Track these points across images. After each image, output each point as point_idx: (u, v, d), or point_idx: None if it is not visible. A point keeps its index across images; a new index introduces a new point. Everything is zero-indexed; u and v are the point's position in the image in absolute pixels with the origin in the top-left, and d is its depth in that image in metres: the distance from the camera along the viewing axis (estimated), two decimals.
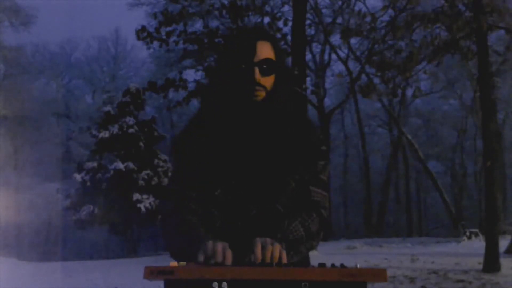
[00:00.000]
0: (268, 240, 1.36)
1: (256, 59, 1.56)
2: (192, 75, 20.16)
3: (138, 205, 22.30)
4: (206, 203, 1.55)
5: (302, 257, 1.54)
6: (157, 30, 15.23)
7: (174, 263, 1.21)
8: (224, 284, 1.17)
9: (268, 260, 1.31)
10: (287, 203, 1.55)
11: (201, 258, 1.31)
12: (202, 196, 1.56)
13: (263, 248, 1.33)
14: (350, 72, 23.47)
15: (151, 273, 1.18)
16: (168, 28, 15.38)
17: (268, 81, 1.59)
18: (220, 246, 1.32)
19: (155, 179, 23.20)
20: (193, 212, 1.54)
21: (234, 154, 1.57)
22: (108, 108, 24.04)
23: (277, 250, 1.33)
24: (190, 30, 16.52)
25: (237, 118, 1.59)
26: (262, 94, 1.58)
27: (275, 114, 1.60)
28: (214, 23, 18.83)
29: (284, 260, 1.33)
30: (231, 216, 1.54)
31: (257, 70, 1.56)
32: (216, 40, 16.35)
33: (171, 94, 16.62)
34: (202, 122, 1.64)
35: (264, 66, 1.57)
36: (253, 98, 1.57)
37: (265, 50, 1.59)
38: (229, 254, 1.31)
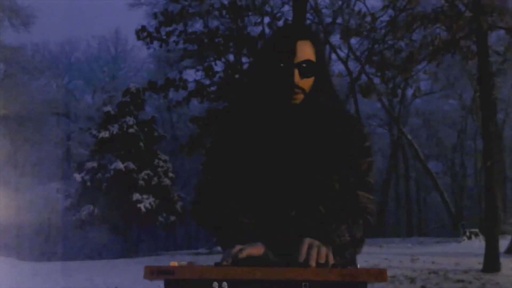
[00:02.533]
0: (316, 242, 1.34)
1: (296, 60, 1.51)
2: (192, 75, 20.12)
3: (138, 205, 22.29)
4: (245, 203, 1.53)
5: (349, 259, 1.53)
6: (157, 30, 15.24)
7: (174, 263, 1.21)
8: (224, 284, 1.17)
9: (312, 260, 1.29)
10: (330, 206, 1.52)
11: (228, 261, 1.31)
12: (242, 195, 1.54)
13: (310, 248, 1.32)
14: (350, 72, 23.46)
15: (151, 273, 1.18)
16: (168, 28, 15.39)
17: (307, 83, 1.53)
18: (246, 250, 1.34)
19: (155, 179, 23.20)
20: (246, 211, 1.52)
21: (273, 155, 1.53)
22: (108, 108, 24.04)
23: (323, 251, 1.31)
24: (190, 30, 16.54)
25: (275, 120, 1.55)
26: (300, 96, 1.52)
27: (314, 116, 1.56)
28: (214, 23, 18.83)
29: (331, 261, 1.32)
30: (270, 216, 1.51)
31: (296, 72, 1.50)
32: (216, 40, 16.36)
33: (171, 94, 16.63)
34: (240, 122, 1.60)
35: (305, 67, 1.51)
36: (291, 101, 1.53)
37: (305, 51, 1.52)
38: (244, 256, 1.33)
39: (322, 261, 1.30)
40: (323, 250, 1.33)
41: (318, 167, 1.53)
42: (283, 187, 1.52)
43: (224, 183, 1.57)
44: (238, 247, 1.34)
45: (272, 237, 1.45)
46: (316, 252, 1.31)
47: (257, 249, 1.37)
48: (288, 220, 1.51)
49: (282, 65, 1.51)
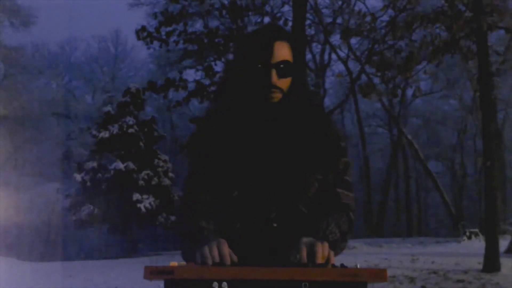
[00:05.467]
0: (315, 240, 1.35)
1: (273, 61, 1.54)
2: (192, 75, 20.13)
3: (138, 205, 22.29)
4: (224, 205, 1.53)
5: None
6: (157, 30, 15.22)
7: (174, 263, 1.21)
8: (224, 284, 1.17)
9: (319, 259, 1.30)
10: (310, 205, 1.54)
11: (198, 260, 1.30)
12: (220, 198, 1.54)
13: (312, 247, 1.32)
14: (350, 72, 23.46)
15: (151, 273, 1.18)
16: (168, 28, 15.38)
17: (285, 83, 1.56)
18: (214, 248, 1.31)
19: (155, 179, 23.19)
20: (208, 216, 1.51)
21: (251, 155, 1.55)
22: (108, 108, 24.03)
23: (326, 249, 1.33)
24: (190, 30, 16.52)
25: (254, 119, 1.57)
26: (278, 96, 1.55)
27: (291, 115, 1.58)
28: (214, 23, 18.83)
29: (332, 260, 1.33)
30: (251, 218, 1.52)
31: (274, 72, 1.53)
32: (216, 40, 16.35)
33: (171, 94, 16.62)
34: (218, 122, 1.62)
35: (282, 67, 1.54)
36: (269, 100, 1.55)
37: (282, 51, 1.55)
38: (225, 252, 1.30)
39: (326, 255, 1.31)
40: (326, 247, 1.33)
41: (297, 167, 1.55)
42: (263, 186, 1.53)
43: (204, 187, 1.57)
44: (212, 247, 1.32)
45: (255, 239, 1.47)
46: (320, 249, 1.31)
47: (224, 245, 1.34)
48: (269, 221, 1.51)
49: (260, 65, 1.54)
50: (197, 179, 1.60)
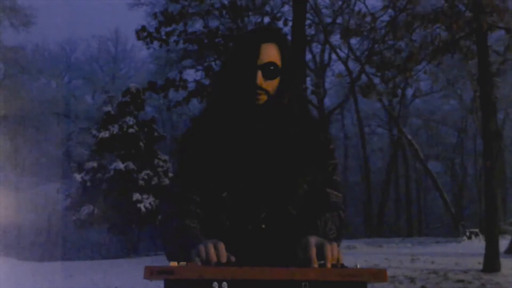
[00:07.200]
0: (323, 240, 1.34)
1: (259, 62, 1.54)
2: (192, 75, 20.13)
3: (138, 205, 22.29)
4: (212, 206, 1.53)
5: None
6: (157, 30, 15.22)
7: (174, 263, 1.21)
8: (224, 284, 1.17)
9: (333, 259, 1.29)
10: (300, 205, 1.54)
11: (198, 262, 1.29)
12: (208, 199, 1.54)
13: (322, 248, 1.31)
14: (350, 72, 23.46)
15: (151, 273, 1.18)
16: (168, 28, 15.37)
17: (271, 85, 1.56)
18: (211, 246, 1.30)
19: (155, 179, 23.19)
20: (194, 216, 1.51)
21: (240, 156, 1.55)
22: (108, 108, 24.03)
23: (335, 250, 1.31)
24: (190, 30, 16.51)
25: (241, 121, 1.57)
26: (264, 98, 1.55)
27: (278, 117, 1.58)
28: (214, 23, 18.82)
29: (341, 260, 1.32)
30: (240, 219, 1.52)
31: (259, 73, 1.53)
32: (216, 40, 16.35)
33: (171, 94, 16.60)
34: (207, 124, 1.62)
35: (268, 69, 1.54)
36: (255, 102, 1.55)
37: (269, 53, 1.55)
38: (223, 251, 1.29)
39: (336, 256, 1.30)
40: (335, 247, 1.32)
41: (285, 168, 1.54)
42: (252, 187, 1.53)
43: (192, 187, 1.56)
44: (210, 244, 1.31)
45: (244, 240, 1.47)
46: (330, 251, 1.30)
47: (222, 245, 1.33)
48: (258, 222, 1.51)
49: (245, 66, 1.54)
50: (185, 178, 1.59)
